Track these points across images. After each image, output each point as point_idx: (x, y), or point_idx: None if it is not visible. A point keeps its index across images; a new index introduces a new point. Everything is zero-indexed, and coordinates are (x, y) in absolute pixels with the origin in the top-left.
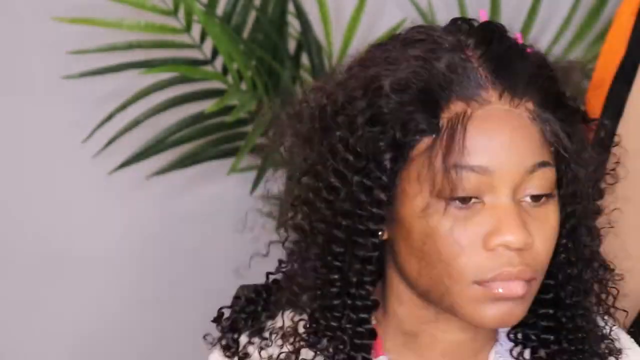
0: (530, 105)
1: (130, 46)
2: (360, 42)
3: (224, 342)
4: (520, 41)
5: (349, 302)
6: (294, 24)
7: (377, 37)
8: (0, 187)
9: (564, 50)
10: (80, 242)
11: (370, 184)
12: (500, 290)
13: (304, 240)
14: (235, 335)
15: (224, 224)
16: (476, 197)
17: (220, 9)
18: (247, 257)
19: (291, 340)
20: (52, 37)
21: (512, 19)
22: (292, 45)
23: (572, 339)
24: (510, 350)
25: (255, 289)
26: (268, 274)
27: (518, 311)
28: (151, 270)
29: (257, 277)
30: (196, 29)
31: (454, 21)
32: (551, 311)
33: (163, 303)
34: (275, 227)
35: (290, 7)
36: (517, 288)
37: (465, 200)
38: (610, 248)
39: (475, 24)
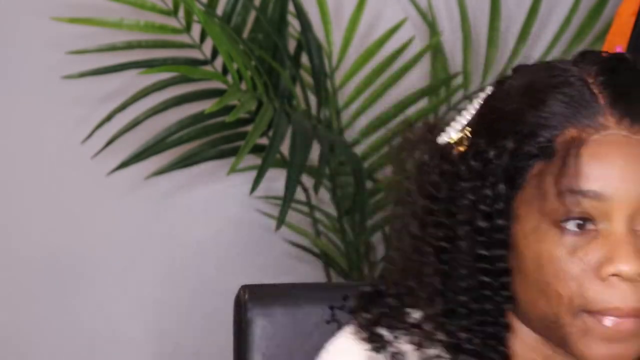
0: None
1: (130, 46)
2: (360, 42)
3: (365, 334)
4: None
5: (490, 330)
6: (294, 24)
7: (377, 37)
8: None
9: (564, 50)
10: (80, 242)
11: (487, 209)
12: (609, 324)
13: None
14: (376, 328)
15: (224, 224)
16: (590, 222)
17: (220, 9)
18: (247, 256)
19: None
20: (52, 37)
21: (512, 19)
22: (292, 45)
23: None
24: None
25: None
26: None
27: (627, 353)
28: (151, 270)
29: (259, 278)
30: (196, 29)
31: (582, 53)
32: None
33: (163, 303)
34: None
35: (290, 7)
36: (626, 324)
37: (580, 225)
38: None
39: (605, 53)
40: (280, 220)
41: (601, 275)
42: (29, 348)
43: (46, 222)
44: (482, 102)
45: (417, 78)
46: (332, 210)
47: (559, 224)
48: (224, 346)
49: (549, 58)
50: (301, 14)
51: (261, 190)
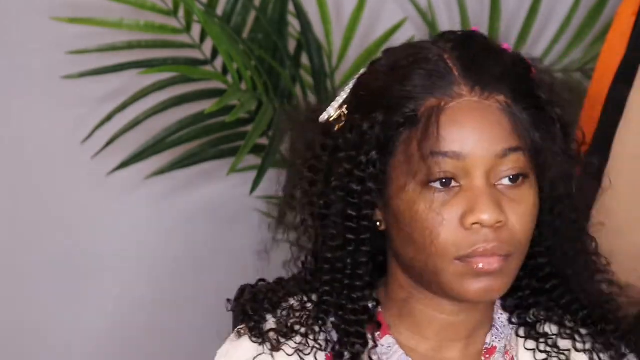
0: (501, 98)
1: (130, 46)
2: (360, 42)
3: (251, 324)
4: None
5: (347, 282)
6: (294, 24)
7: (377, 37)
8: None
9: (564, 50)
10: (80, 242)
11: (361, 174)
12: (480, 266)
13: (308, 228)
14: (258, 316)
15: (224, 223)
16: (454, 180)
17: (220, 9)
18: (247, 256)
19: (303, 316)
20: (52, 37)
21: (512, 19)
22: (292, 45)
23: (563, 294)
24: (509, 319)
25: (260, 280)
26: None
27: (498, 285)
28: (151, 270)
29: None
30: (196, 29)
31: (441, 34)
32: (541, 274)
33: (163, 303)
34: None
35: (290, 7)
36: (494, 263)
37: (444, 183)
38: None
39: (462, 32)
40: (280, 220)
41: (465, 225)
42: (29, 347)
43: (46, 222)
44: (355, 83)
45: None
46: None
47: (426, 184)
48: None
49: (549, 58)
50: (301, 14)
51: (261, 190)
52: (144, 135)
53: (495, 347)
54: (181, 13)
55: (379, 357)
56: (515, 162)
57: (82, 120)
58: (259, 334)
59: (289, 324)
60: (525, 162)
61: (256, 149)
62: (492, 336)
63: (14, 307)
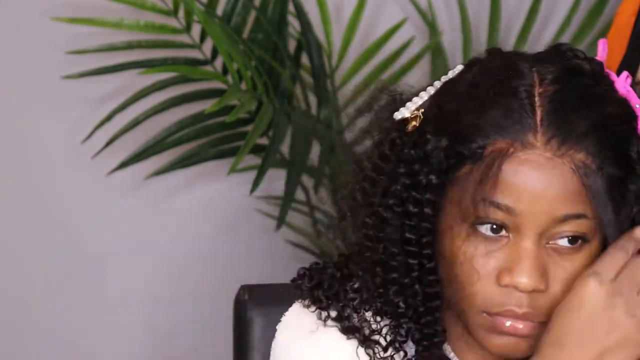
0: (580, 156)
1: (130, 46)
2: (360, 42)
3: (311, 297)
4: (601, 51)
5: (422, 309)
6: (294, 24)
7: (377, 37)
8: None
9: None
10: (80, 242)
11: (419, 197)
12: (507, 325)
13: (367, 233)
14: (324, 296)
15: (224, 224)
16: (504, 229)
17: (220, 9)
18: (247, 256)
19: (383, 328)
20: (52, 37)
21: (512, 19)
22: (292, 45)
23: None
24: None
25: (327, 261)
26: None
27: (523, 346)
28: (151, 270)
29: (259, 278)
30: (196, 29)
31: (556, 47)
32: None
33: (163, 303)
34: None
35: (290, 7)
36: (523, 327)
37: (494, 230)
38: None
39: (578, 55)
40: (280, 220)
41: (500, 282)
42: (29, 347)
43: (46, 222)
44: (441, 86)
45: (417, 78)
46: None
47: (473, 225)
48: (224, 346)
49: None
50: (301, 14)
51: (261, 190)
52: (144, 135)
53: None
54: (181, 13)
55: None
56: (576, 227)
57: (82, 120)
58: (349, 328)
59: (372, 325)
60: (589, 227)
61: (256, 149)
62: None
63: (14, 307)
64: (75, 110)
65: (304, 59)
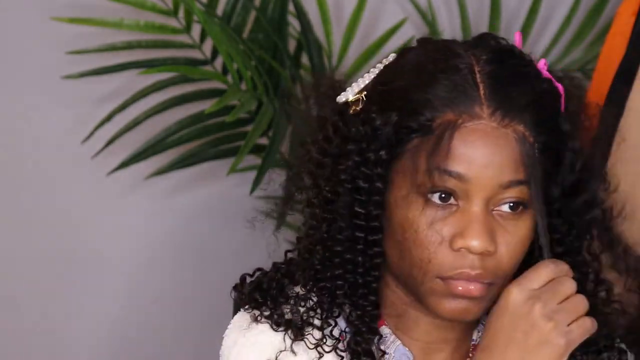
0: (520, 127)
1: (130, 46)
2: (360, 42)
3: (266, 311)
4: (518, 41)
5: (361, 280)
6: (294, 24)
7: (377, 37)
8: None
9: (564, 50)
10: (80, 242)
11: (369, 172)
12: (460, 288)
13: (314, 213)
14: (272, 304)
15: (224, 223)
16: (453, 197)
17: (220, 9)
18: (247, 256)
19: (316, 308)
20: (52, 37)
21: (512, 19)
22: (292, 45)
23: None
24: None
25: (274, 264)
26: (287, 252)
27: (474, 309)
28: (151, 270)
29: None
30: (196, 29)
31: (482, 35)
32: None
33: (163, 303)
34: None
35: (290, 7)
36: (474, 289)
37: (443, 198)
38: None
39: (502, 42)
40: (281, 221)
41: (453, 247)
42: (29, 347)
43: (46, 222)
44: (380, 71)
45: None
46: None
47: (425, 195)
48: None
49: (549, 58)
50: (301, 14)
51: (261, 190)
52: (144, 135)
53: None
54: (181, 13)
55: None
56: (518, 193)
57: (82, 120)
58: (280, 322)
59: (304, 316)
60: (529, 194)
61: (256, 149)
62: (479, 332)
63: (14, 306)
64: (75, 110)
65: (304, 59)
